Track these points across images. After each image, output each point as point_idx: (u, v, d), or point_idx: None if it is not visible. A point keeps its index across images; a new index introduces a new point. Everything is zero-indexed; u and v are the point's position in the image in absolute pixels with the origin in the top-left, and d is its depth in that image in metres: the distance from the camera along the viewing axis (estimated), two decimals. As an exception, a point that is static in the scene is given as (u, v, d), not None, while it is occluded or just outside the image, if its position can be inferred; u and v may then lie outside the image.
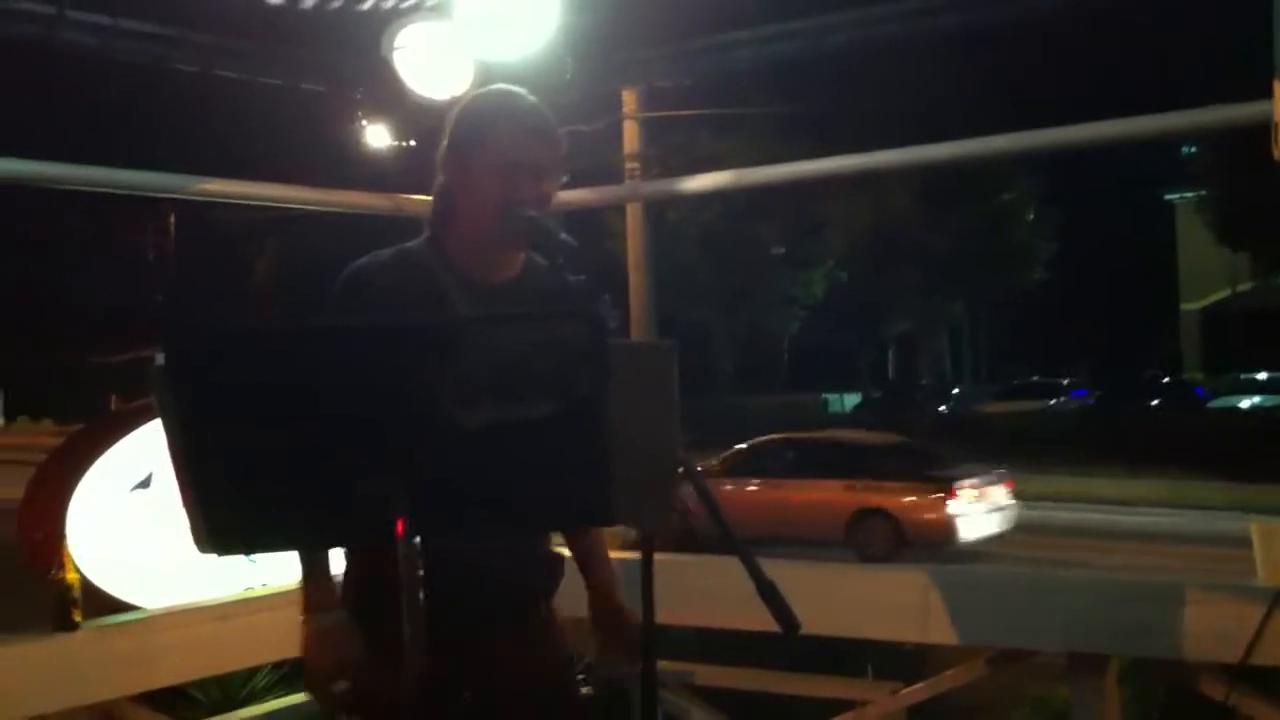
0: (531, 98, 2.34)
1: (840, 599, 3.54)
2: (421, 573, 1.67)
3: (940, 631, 3.44)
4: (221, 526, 1.65)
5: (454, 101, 3.50)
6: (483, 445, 1.64)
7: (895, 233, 29.36)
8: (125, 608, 3.87)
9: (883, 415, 32.61)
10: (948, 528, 13.50)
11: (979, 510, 13.90)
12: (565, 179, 2.38)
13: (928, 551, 13.26)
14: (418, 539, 1.68)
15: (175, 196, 3.64)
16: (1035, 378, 35.96)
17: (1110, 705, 3.27)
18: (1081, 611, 3.27)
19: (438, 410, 1.62)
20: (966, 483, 13.84)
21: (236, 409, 1.59)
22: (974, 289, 33.59)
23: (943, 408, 32.95)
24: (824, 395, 39.69)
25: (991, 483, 14.30)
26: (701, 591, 3.30)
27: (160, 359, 1.58)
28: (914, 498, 13.73)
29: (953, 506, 13.55)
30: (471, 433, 1.63)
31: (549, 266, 2.14)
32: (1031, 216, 33.38)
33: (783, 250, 33.19)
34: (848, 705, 3.72)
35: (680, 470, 1.72)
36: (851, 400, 38.96)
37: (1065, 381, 34.48)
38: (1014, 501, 14.55)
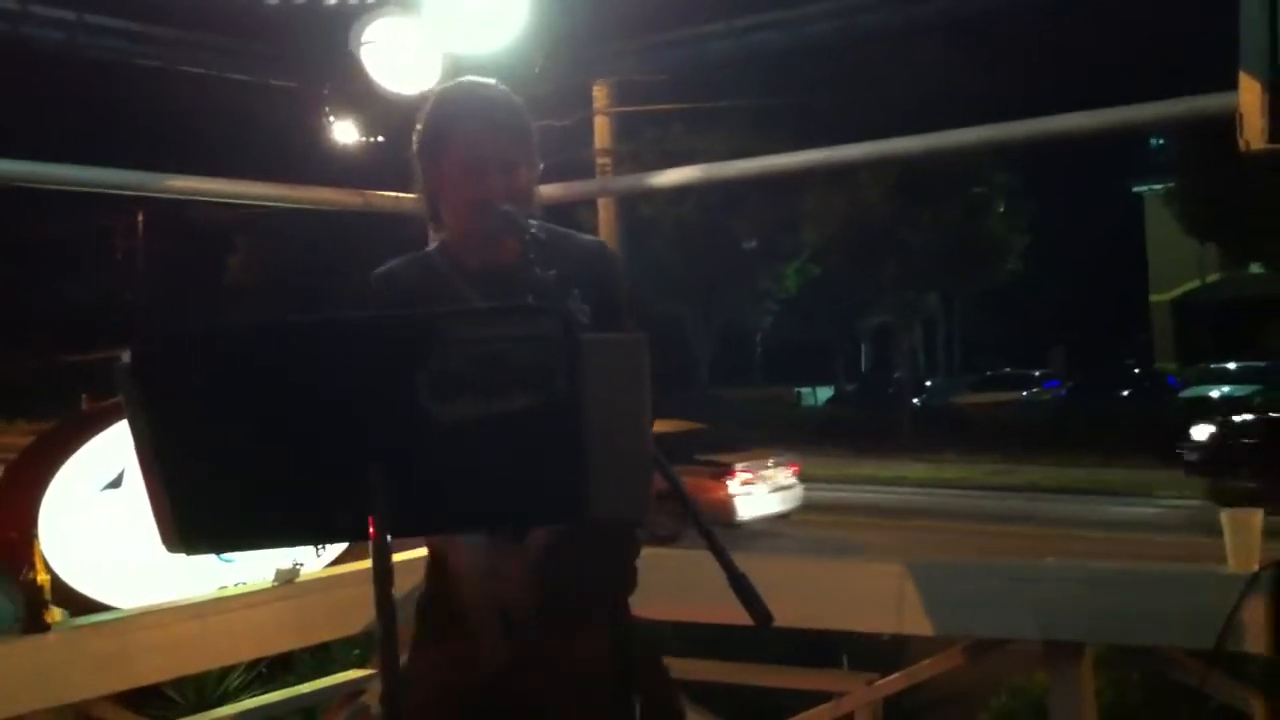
0: (499, 89, 2.33)
1: (815, 591, 3.55)
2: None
3: (916, 622, 3.45)
4: (189, 526, 1.63)
5: (423, 96, 3.49)
6: (456, 440, 1.63)
7: (869, 226, 29.39)
8: (100, 608, 3.85)
9: (856, 408, 32.71)
10: (727, 506, 14.80)
11: (760, 491, 15.39)
12: (540, 168, 2.35)
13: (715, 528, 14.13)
14: (390, 537, 1.67)
15: (144, 194, 3.60)
16: (1008, 369, 36.12)
17: (1086, 692, 3.29)
18: (1057, 600, 3.28)
19: (410, 406, 1.61)
20: (742, 466, 15.30)
21: (201, 409, 1.58)
22: (948, 282, 33.64)
23: (916, 400, 33.04)
24: (797, 389, 39.79)
25: (773, 466, 15.82)
26: (676, 585, 3.30)
27: (125, 358, 1.57)
28: (698, 480, 14.67)
29: (732, 487, 14.98)
30: (445, 428, 1.62)
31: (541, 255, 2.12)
32: (1003, 209, 33.53)
33: (755, 244, 33.23)
34: (825, 697, 3.73)
35: (653, 463, 1.72)
36: (825, 394, 39.05)
37: (1038, 373, 34.64)
38: (797, 483, 16.08)
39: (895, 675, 3.66)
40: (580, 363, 1.60)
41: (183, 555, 1.69)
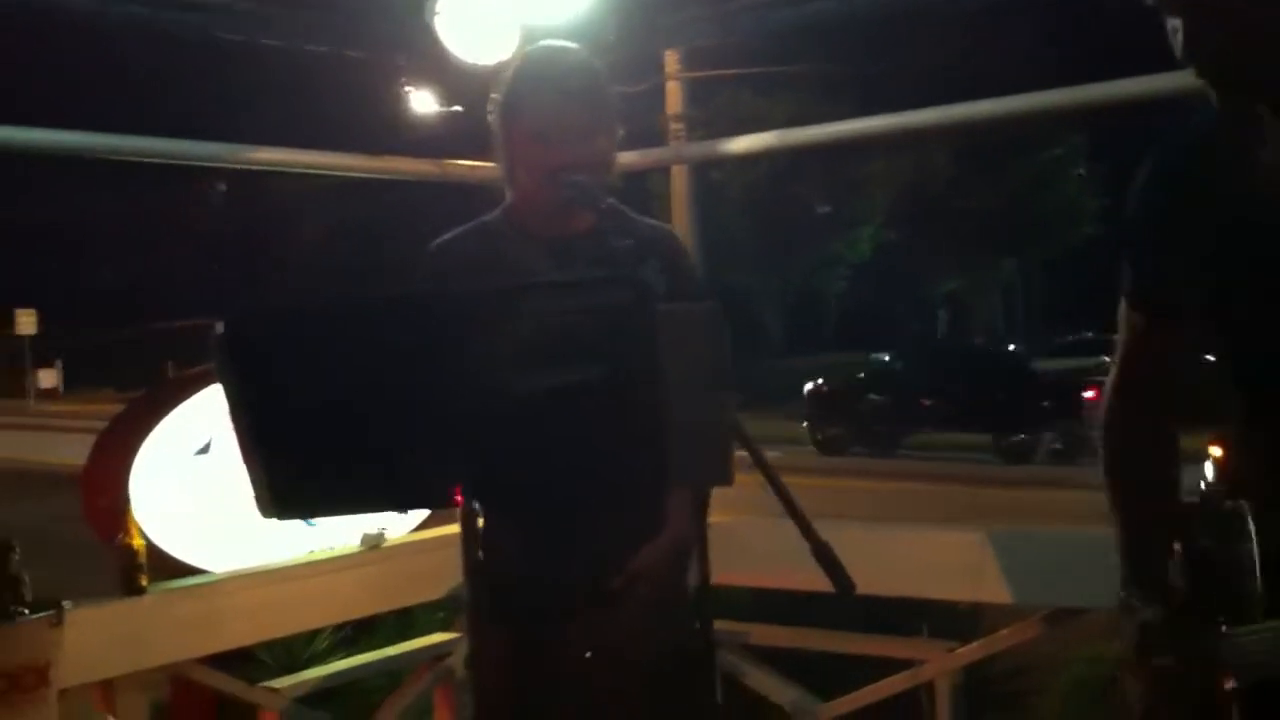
0: (578, 54, 2.33)
1: (895, 559, 3.55)
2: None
3: (995, 591, 3.45)
4: (283, 492, 1.68)
5: (499, 66, 3.51)
6: (534, 413, 1.66)
7: (942, 191, 29.08)
8: (190, 571, 3.94)
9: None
10: None
11: None
12: (621, 134, 2.35)
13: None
14: (477, 506, 1.71)
15: (224, 165, 3.67)
16: (1089, 334, 35.53)
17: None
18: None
19: (487, 378, 1.64)
20: None
21: (291, 379, 1.62)
22: (1023, 246, 33.21)
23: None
24: (872, 355, 39.47)
25: None
26: (757, 552, 3.32)
27: (220, 330, 1.61)
28: None
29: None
30: (522, 400, 1.64)
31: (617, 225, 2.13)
32: (1080, 172, 32.94)
33: (828, 210, 32.96)
34: (904, 665, 3.74)
35: (733, 432, 1.73)
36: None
37: (1115, 337, 34.02)
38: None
39: (974, 644, 3.65)
40: (657, 332, 1.62)
41: (275, 520, 1.73)
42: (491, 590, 1.82)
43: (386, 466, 1.66)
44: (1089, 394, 18.52)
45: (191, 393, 4.63)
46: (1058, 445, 19.35)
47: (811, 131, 4.20)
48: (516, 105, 2.28)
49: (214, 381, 4.31)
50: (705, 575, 1.81)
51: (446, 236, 2.38)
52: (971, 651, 3.64)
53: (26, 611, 2.98)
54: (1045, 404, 20.25)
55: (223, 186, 37.93)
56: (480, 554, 1.77)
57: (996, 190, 29.35)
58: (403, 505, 1.79)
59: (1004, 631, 3.60)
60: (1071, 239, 31.99)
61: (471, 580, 1.76)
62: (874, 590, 3.33)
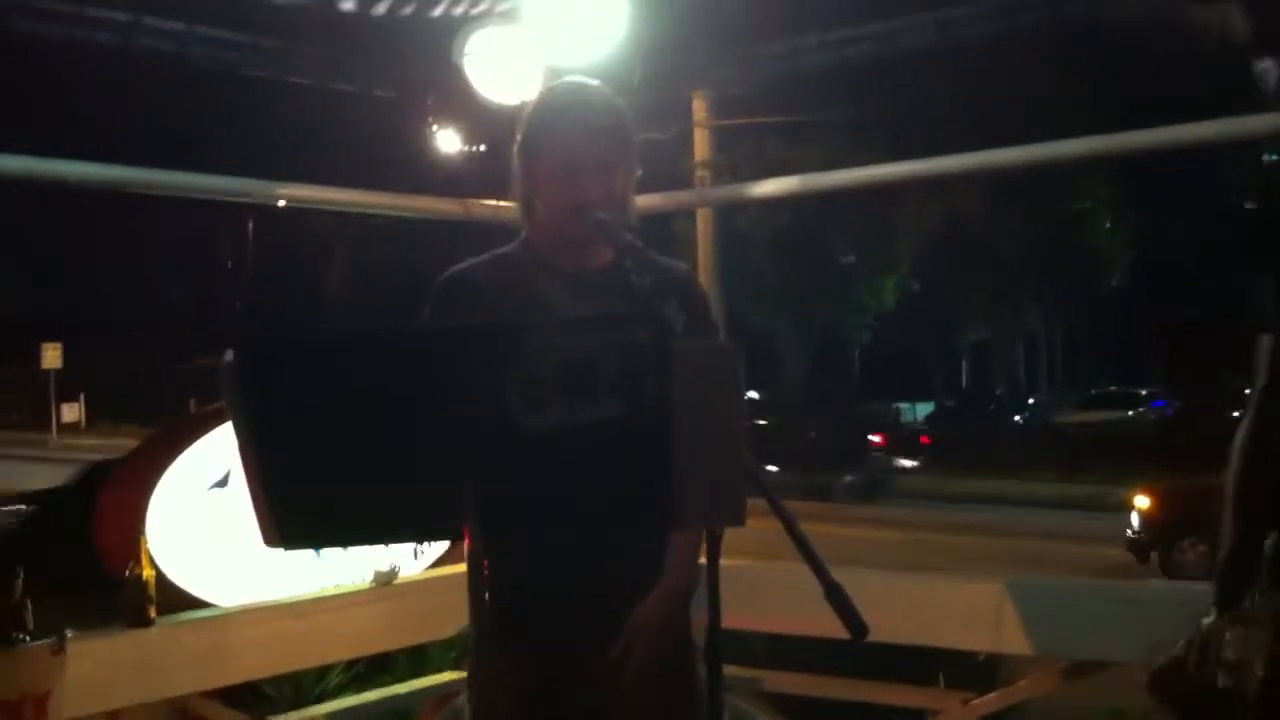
0: (602, 92, 2.33)
1: (912, 606, 3.50)
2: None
3: (1013, 641, 3.40)
4: (288, 521, 1.66)
5: (523, 106, 3.52)
6: (549, 447, 1.64)
7: (969, 240, 29.05)
8: (201, 605, 3.92)
9: (955, 424, 32.25)
10: None
11: None
12: (638, 174, 2.34)
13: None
14: (484, 540, 1.69)
15: (253, 201, 3.69)
16: (1113, 388, 35.36)
17: None
18: (1160, 622, 3.19)
19: (503, 411, 1.62)
20: None
21: (301, 410, 1.60)
22: (1050, 297, 33.13)
23: (1018, 418, 32.51)
24: (896, 405, 39.34)
25: None
26: (769, 596, 3.29)
27: (228, 358, 1.60)
28: None
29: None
30: (537, 434, 1.63)
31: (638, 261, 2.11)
32: (1108, 224, 32.88)
33: (853, 259, 32.94)
34: (918, 714, 3.69)
35: (747, 472, 1.71)
36: (924, 409, 38.57)
37: (1144, 392, 33.85)
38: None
39: (991, 695, 3.60)
40: (673, 370, 1.60)
41: (281, 551, 1.71)
42: (499, 628, 1.79)
43: (395, 498, 1.64)
44: (875, 438, 23.77)
45: (212, 427, 4.64)
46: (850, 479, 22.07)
47: (835, 176, 4.21)
48: (539, 138, 2.28)
49: (232, 415, 4.32)
50: (716, 619, 1.78)
51: (462, 265, 2.36)
52: (988, 703, 3.59)
53: (28, 639, 2.94)
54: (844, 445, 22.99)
55: (251, 224, 38.22)
56: (486, 592, 1.75)
57: (1025, 240, 29.28)
58: (410, 537, 1.76)
59: (1022, 683, 3.54)
60: (1099, 290, 31.88)
61: (476, 615, 1.73)
62: (888, 637, 3.31)
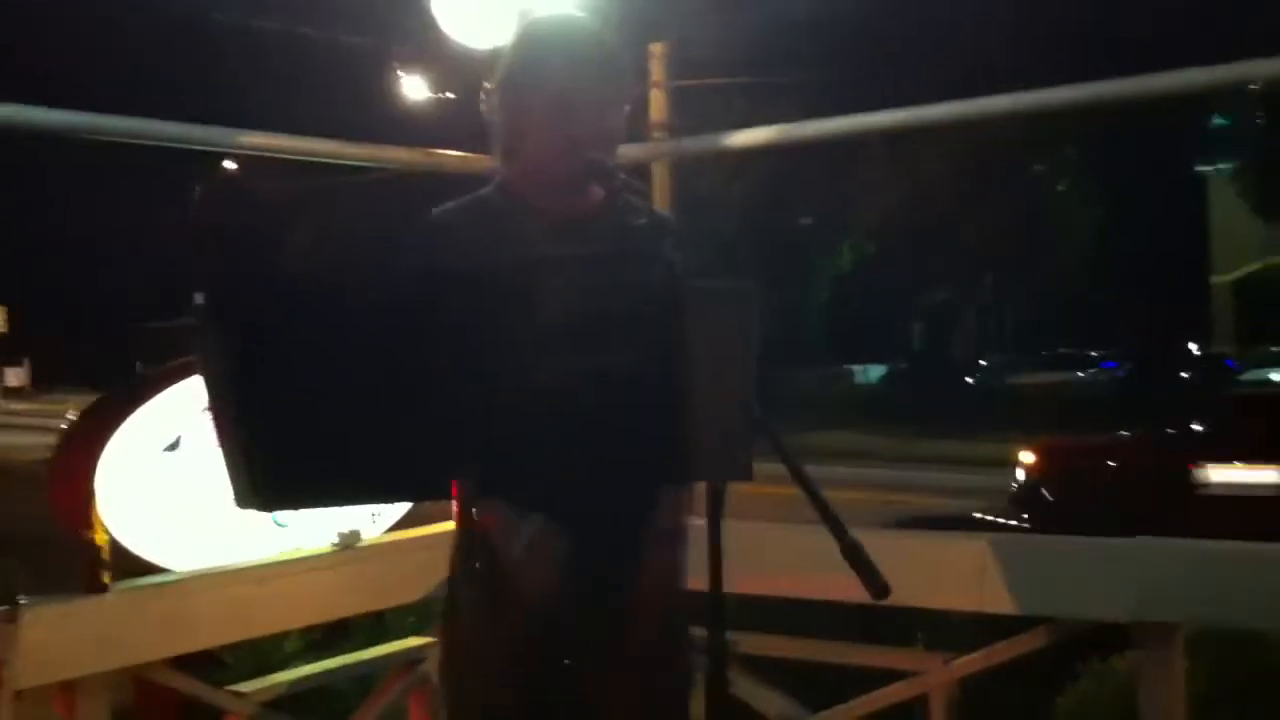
0: (592, 23, 2.19)
1: (892, 565, 3.39)
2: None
3: (997, 600, 3.33)
4: (266, 480, 1.54)
5: (494, 53, 3.39)
6: (549, 394, 1.53)
7: (926, 204, 29.07)
8: (155, 570, 3.79)
9: (908, 387, 32.43)
10: None
11: None
12: (628, 109, 2.20)
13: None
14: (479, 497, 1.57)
15: (211, 149, 3.52)
16: (1065, 350, 35.68)
17: (1177, 678, 3.15)
18: (1148, 579, 3.14)
19: (506, 359, 1.51)
20: None
21: (283, 357, 1.48)
22: (1004, 262, 33.30)
23: (969, 379, 32.72)
24: (848, 367, 39.49)
25: None
26: (768, 558, 3.19)
27: (200, 300, 1.47)
28: None
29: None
30: (540, 383, 1.51)
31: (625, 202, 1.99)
32: (1062, 189, 33.04)
33: (810, 221, 32.94)
34: (899, 675, 3.61)
35: (756, 422, 1.60)
36: (876, 372, 38.74)
37: (1095, 354, 34.20)
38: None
39: (974, 655, 3.52)
40: (686, 311, 1.49)
41: (237, 515, 1.59)
42: (490, 593, 1.67)
43: (383, 454, 1.52)
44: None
45: (162, 388, 4.49)
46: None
47: (813, 126, 4.05)
48: (529, 71, 2.12)
49: (185, 377, 4.18)
50: (717, 581, 1.68)
51: (446, 207, 2.19)
52: (971, 663, 3.51)
53: None
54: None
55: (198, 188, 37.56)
56: (476, 557, 1.63)
57: (982, 205, 29.36)
58: (397, 496, 1.65)
59: (1005, 642, 3.47)
60: (1052, 255, 32.05)
61: (465, 579, 1.62)
62: (866, 598, 3.22)
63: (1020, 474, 13.39)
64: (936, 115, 3.87)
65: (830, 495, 1.60)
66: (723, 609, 1.72)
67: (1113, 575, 3.24)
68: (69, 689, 3.12)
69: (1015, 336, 42.74)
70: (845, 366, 39.18)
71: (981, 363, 36.69)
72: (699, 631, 2.44)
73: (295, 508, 1.72)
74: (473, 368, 1.51)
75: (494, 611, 1.89)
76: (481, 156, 3.88)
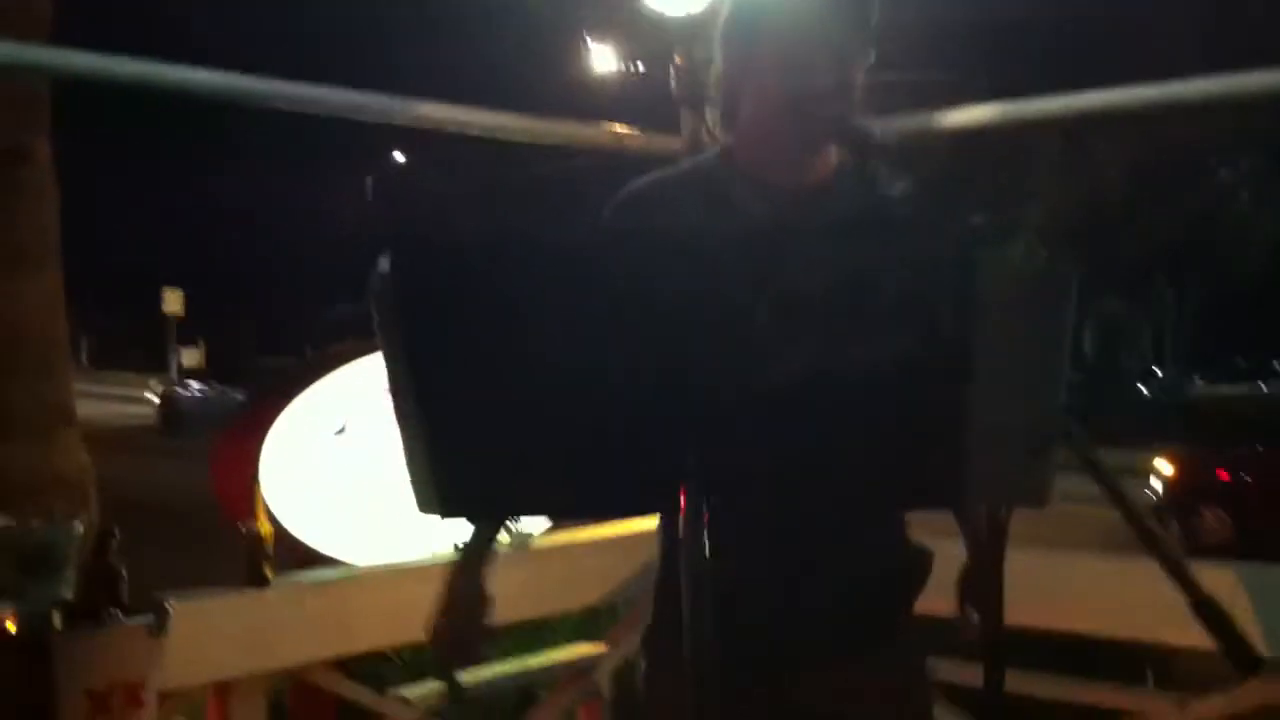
0: None
1: (1132, 597, 3.02)
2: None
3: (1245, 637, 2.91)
4: (453, 483, 1.26)
5: (690, 20, 3.10)
6: (799, 393, 1.23)
7: (1103, 209, 28.00)
8: (320, 561, 3.61)
9: (1079, 394, 31.30)
10: None
11: None
12: (872, 59, 1.85)
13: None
14: (706, 513, 1.28)
15: (382, 120, 3.30)
16: (1242, 360, 34.10)
17: None
18: None
19: (742, 345, 1.21)
20: None
21: (482, 337, 1.20)
22: (1183, 269, 31.97)
23: (1144, 389, 31.48)
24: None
25: None
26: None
27: (384, 266, 1.21)
28: None
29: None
30: (786, 376, 1.22)
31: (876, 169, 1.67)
32: (1247, 195, 31.60)
33: (979, 221, 32.00)
34: (1118, 715, 3.22)
35: (1063, 436, 1.27)
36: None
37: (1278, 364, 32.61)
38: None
39: (1214, 698, 3.11)
40: (982, 292, 1.17)
41: (431, 516, 1.32)
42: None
43: (598, 457, 1.24)
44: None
45: (328, 371, 4.33)
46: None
47: (1038, 105, 3.63)
48: (759, 17, 1.80)
49: (352, 359, 4.00)
50: (998, 619, 1.37)
51: (644, 179, 1.89)
52: (1209, 707, 3.10)
53: (122, 616, 2.55)
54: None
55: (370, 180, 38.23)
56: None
57: (1162, 211, 28.21)
58: (609, 512, 1.36)
59: (1253, 684, 3.03)
60: (1234, 264, 30.69)
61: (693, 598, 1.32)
62: (1091, 629, 2.88)
63: (1158, 485, 12.91)
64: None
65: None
66: (1004, 650, 1.42)
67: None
68: (223, 689, 2.94)
69: (1191, 345, 41.01)
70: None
71: (1156, 372, 35.26)
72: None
73: (483, 516, 1.45)
74: (692, 353, 1.22)
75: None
76: (670, 136, 3.62)
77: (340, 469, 4.21)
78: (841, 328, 1.23)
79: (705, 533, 1.28)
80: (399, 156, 37.11)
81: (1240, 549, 11.85)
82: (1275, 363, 33.11)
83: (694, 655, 1.27)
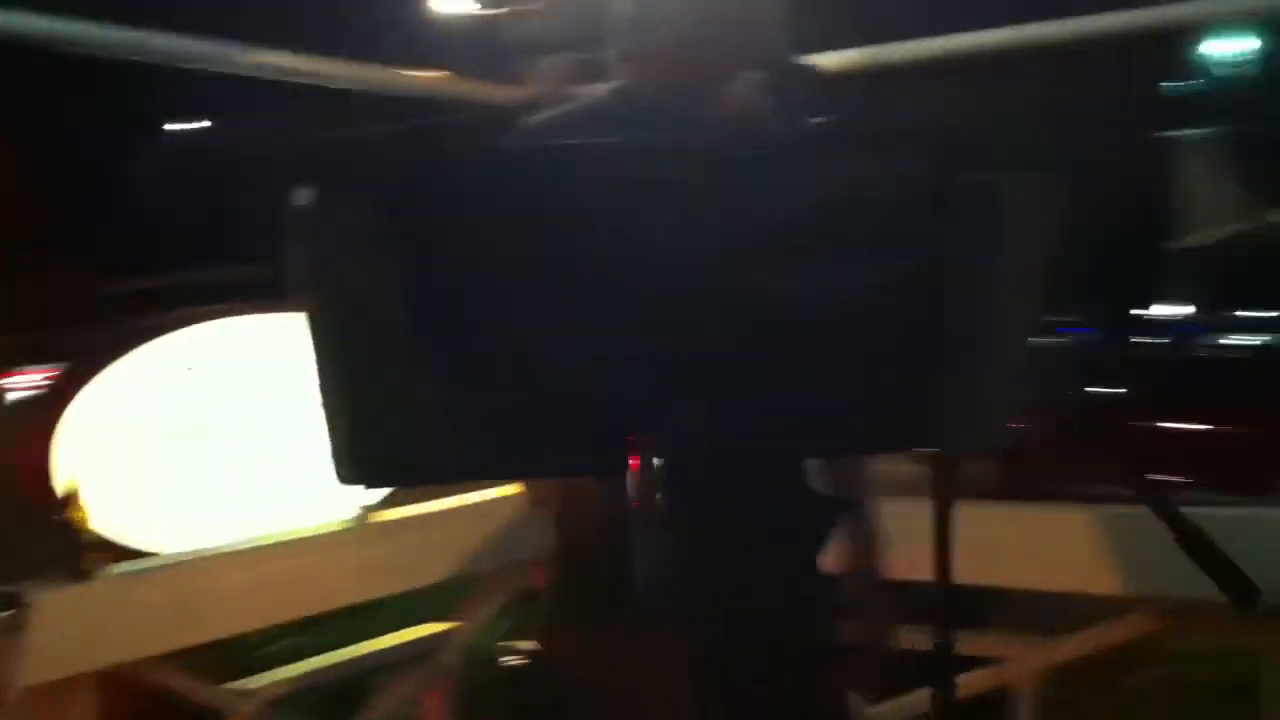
0: None
1: (986, 542, 3.02)
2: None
3: (1100, 579, 2.96)
4: (383, 444, 1.12)
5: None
6: (757, 326, 1.12)
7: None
8: (141, 555, 3.35)
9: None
10: None
11: None
12: None
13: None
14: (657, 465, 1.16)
15: (209, 69, 3.05)
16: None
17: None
18: (1280, 556, 2.79)
19: (693, 278, 1.11)
20: None
21: (412, 273, 1.06)
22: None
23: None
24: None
25: None
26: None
27: (302, 200, 1.05)
28: None
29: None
30: (741, 309, 1.11)
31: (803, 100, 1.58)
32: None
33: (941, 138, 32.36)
34: (981, 662, 3.25)
35: (1031, 378, 1.20)
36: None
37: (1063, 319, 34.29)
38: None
39: (1071, 640, 3.16)
40: (964, 210, 1.08)
41: (359, 488, 1.18)
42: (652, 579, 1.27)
43: (548, 409, 1.11)
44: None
45: (134, 346, 4.04)
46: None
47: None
48: None
49: (162, 334, 3.74)
50: (946, 571, 1.30)
51: (539, 118, 1.75)
52: (1067, 649, 3.15)
53: None
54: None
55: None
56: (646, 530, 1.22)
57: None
58: (553, 469, 1.23)
59: (1107, 626, 3.09)
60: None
61: (644, 561, 1.21)
62: (964, 578, 2.86)
63: None
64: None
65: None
66: (954, 603, 1.37)
67: (1245, 551, 2.88)
68: (52, 690, 2.69)
69: None
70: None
71: None
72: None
73: (415, 482, 1.31)
74: (641, 288, 1.11)
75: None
76: (511, 87, 3.45)
77: (146, 454, 3.94)
78: (788, 258, 1.13)
79: (658, 487, 1.17)
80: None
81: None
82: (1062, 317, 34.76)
83: (655, 607, 1.16)
